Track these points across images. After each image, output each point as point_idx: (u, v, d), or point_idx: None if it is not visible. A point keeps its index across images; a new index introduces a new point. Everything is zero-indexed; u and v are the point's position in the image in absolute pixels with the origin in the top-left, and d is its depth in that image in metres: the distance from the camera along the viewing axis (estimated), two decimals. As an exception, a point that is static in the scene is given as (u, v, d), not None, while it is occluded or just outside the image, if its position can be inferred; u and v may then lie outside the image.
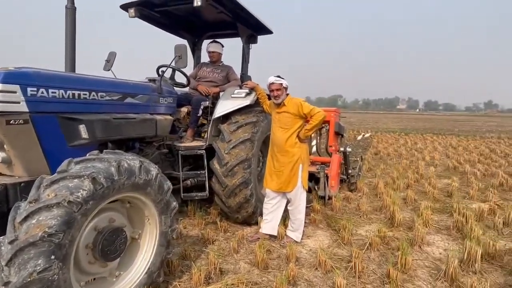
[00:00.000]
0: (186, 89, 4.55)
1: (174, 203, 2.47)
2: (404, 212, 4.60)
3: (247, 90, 3.96)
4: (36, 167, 2.32)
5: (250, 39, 4.70)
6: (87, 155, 2.02)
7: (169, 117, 3.60)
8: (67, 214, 1.67)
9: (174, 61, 3.36)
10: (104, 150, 2.14)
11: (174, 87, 4.04)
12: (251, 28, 4.51)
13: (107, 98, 2.83)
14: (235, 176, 3.68)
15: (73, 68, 3.16)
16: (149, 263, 2.37)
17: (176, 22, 4.58)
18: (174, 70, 4.02)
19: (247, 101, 3.91)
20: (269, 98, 3.77)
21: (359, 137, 15.40)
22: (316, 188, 5.00)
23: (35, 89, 2.24)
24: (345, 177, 5.84)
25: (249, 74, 4.77)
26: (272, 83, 3.46)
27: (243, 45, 4.63)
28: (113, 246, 2.09)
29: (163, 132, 3.51)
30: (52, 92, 2.36)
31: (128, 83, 3.18)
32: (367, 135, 17.19)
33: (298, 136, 3.49)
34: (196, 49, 5.20)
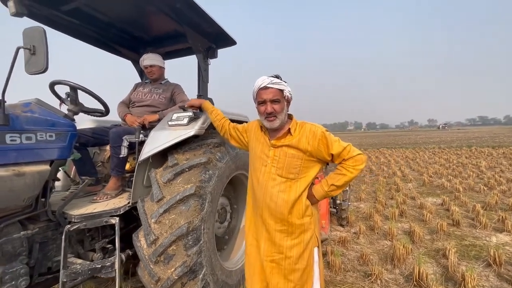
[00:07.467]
0: (120, 120, 2.43)
1: None
2: (426, 265, 2.50)
3: (190, 113, 1.85)
4: None
5: (208, 53, 2.66)
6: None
7: (37, 167, 1.41)
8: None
9: (25, 59, 1.27)
10: None
11: (91, 115, 1.94)
12: (210, 39, 2.51)
13: None
14: (171, 262, 1.50)
15: None
16: None
17: (102, 32, 2.49)
18: (75, 90, 1.79)
19: (191, 131, 1.77)
20: (235, 121, 1.70)
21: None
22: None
23: None
24: (334, 210, 3.73)
25: (210, 96, 2.70)
26: (264, 87, 1.26)
27: (198, 62, 2.58)
28: None
29: (13, 200, 1.33)
30: None
31: None
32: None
33: (310, 194, 1.30)
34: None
